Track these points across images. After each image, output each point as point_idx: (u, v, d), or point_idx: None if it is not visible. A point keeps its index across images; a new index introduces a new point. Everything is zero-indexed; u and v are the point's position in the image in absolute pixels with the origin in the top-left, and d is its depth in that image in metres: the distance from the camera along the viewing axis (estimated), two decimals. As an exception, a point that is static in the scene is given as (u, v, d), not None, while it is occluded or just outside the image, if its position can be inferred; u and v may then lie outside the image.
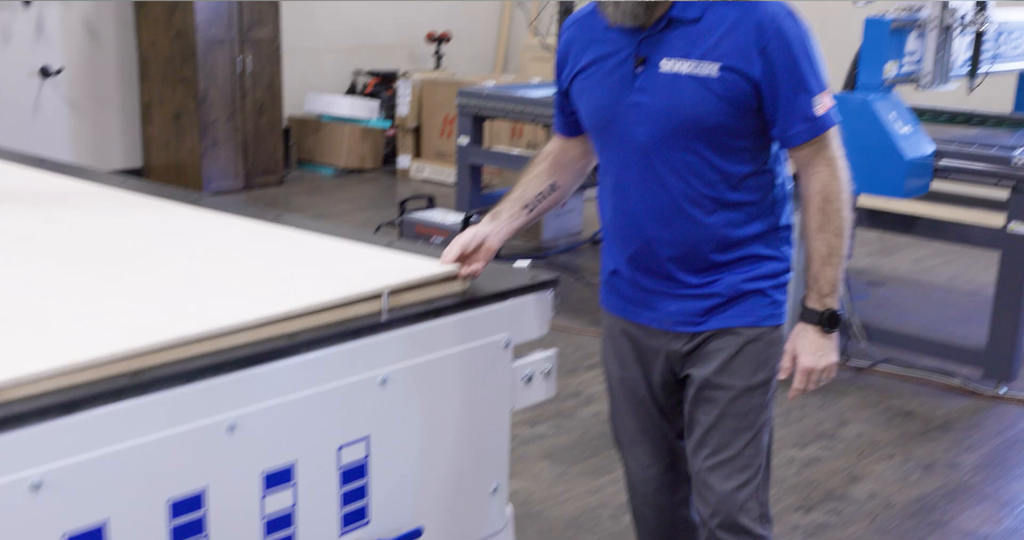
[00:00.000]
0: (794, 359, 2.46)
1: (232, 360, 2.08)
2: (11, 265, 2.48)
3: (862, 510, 3.92)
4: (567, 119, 2.73)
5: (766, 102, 2.40)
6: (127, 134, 9.08)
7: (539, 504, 3.77)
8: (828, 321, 2.42)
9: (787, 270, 2.57)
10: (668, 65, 2.42)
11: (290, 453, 2.22)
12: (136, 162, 9.10)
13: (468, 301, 2.50)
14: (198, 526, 2.09)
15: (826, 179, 2.40)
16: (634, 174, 2.51)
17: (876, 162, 4.76)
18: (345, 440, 2.33)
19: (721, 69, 2.37)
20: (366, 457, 2.38)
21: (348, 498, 2.37)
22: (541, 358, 2.68)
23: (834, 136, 2.44)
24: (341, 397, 2.29)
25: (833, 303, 2.43)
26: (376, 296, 2.35)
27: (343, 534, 2.37)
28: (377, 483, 2.41)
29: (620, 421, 2.78)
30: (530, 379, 2.66)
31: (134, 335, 2.03)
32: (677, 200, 2.47)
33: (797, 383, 2.44)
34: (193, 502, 2.08)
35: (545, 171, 2.72)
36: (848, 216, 2.41)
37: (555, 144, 2.76)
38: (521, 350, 2.73)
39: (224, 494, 2.12)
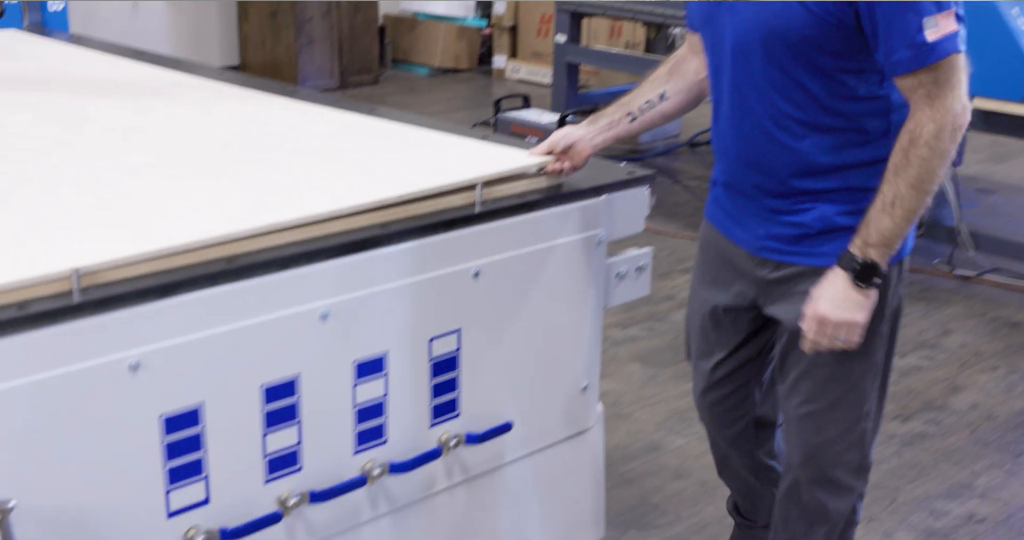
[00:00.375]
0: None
1: (325, 248, 2.07)
2: (108, 154, 2.50)
3: (962, 421, 3.84)
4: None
5: (863, 18, 2.05)
6: (224, 32, 9.11)
7: (629, 406, 3.76)
8: (863, 273, 2.08)
9: None
10: None
11: (382, 343, 2.22)
12: (233, 60, 9.14)
13: (563, 195, 2.46)
14: (291, 412, 2.11)
15: (922, 119, 2.02)
16: (725, 84, 2.28)
17: (994, 61, 4.54)
18: (436, 332, 2.32)
19: None
20: (457, 350, 2.37)
21: (438, 390, 2.37)
22: (635, 255, 2.63)
23: (950, 69, 2.02)
24: (433, 289, 2.27)
25: (877, 256, 2.07)
26: (470, 187, 2.32)
27: (433, 426, 2.38)
28: (467, 377, 2.41)
29: (690, 335, 2.65)
30: (623, 277, 2.62)
31: (229, 221, 2.03)
32: (761, 120, 2.22)
33: (808, 332, 2.15)
34: (286, 388, 2.09)
35: (662, 76, 2.49)
36: (936, 168, 2.02)
37: (683, 49, 2.51)
38: (615, 249, 2.69)
39: (317, 381, 2.13)
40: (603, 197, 2.51)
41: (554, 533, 2.69)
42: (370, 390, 2.23)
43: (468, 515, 2.52)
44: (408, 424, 2.32)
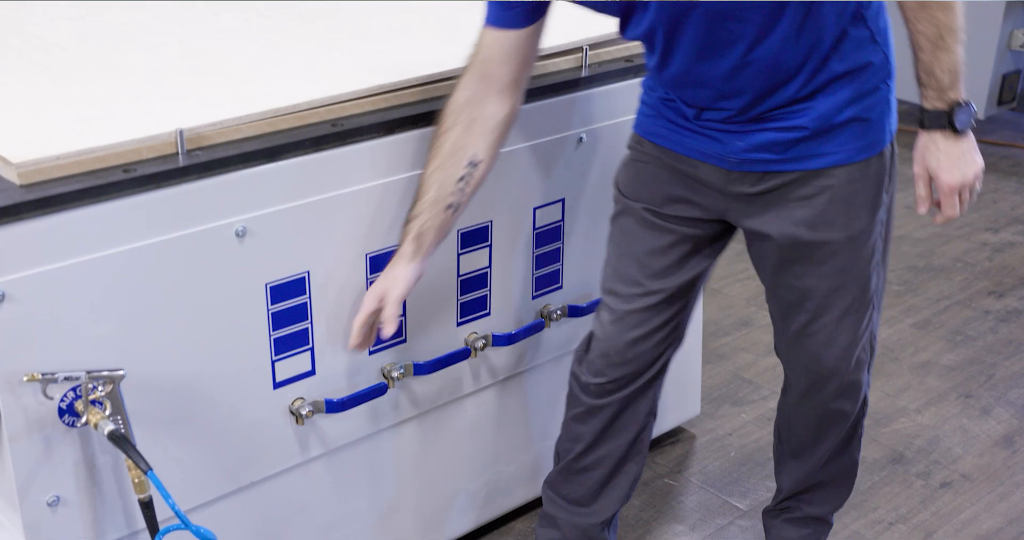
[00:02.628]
0: (930, 180, 1.91)
1: (430, 112, 1.99)
2: (204, 18, 2.41)
3: (1058, 297, 3.75)
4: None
5: None
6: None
7: (719, 281, 3.69)
8: (957, 119, 1.84)
9: (887, 63, 1.91)
10: None
11: (486, 212, 2.15)
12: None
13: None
14: (396, 282, 2.06)
15: None
16: (686, 36, 1.83)
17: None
18: (541, 201, 2.25)
19: None
20: (561, 220, 2.30)
21: (541, 262, 2.31)
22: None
23: None
24: (537, 156, 2.19)
25: (958, 94, 1.83)
26: (576, 50, 2.22)
27: (536, 297, 2.33)
28: (571, 248, 2.34)
29: (618, 264, 2.12)
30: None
31: (333, 84, 1.96)
32: (749, 62, 1.82)
33: (946, 209, 1.90)
34: (390, 257, 2.04)
35: (459, 140, 1.92)
36: None
37: (464, 94, 1.92)
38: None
39: (421, 250, 2.08)
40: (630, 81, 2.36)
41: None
42: (473, 260, 2.17)
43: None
44: (511, 294, 2.27)
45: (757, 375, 3.21)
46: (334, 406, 2.03)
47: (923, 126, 1.87)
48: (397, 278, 1.92)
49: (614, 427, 2.19)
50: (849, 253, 1.98)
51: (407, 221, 1.93)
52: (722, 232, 2.08)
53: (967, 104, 1.84)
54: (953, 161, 1.87)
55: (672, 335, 2.15)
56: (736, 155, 1.91)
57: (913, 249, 3.99)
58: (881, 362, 3.26)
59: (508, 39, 1.89)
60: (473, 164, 1.92)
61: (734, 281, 3.74)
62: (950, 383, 3.21)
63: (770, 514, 2.41)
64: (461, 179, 1.92)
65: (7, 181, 1.64)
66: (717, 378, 3.18)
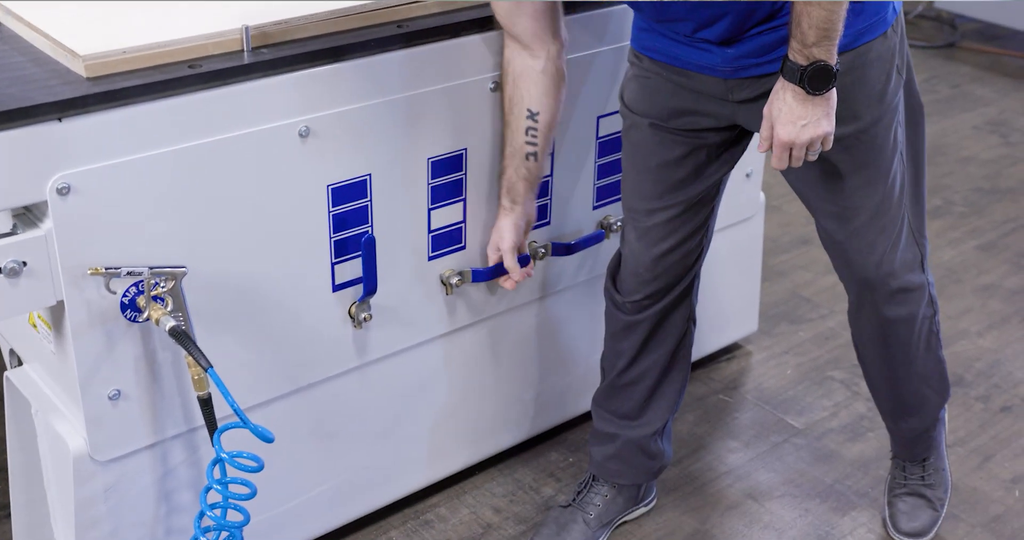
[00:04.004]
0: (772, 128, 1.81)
1: (493, 17, 1.95)
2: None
3: None
4: None
5: None
6: None
7: (778, 198, 3.63)
8: (812, 79, 1.72)
9: None
10: None
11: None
12: None
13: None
14: (457, 188, 2.04)
15: None
16: None
17: None
18: (603, 111, 2.21)
19: None
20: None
21: (604, 171, 2.28)
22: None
23: None
24: (598, 66, 2.15)
25: (822, 54, 1.71)
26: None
27: (596, 208, 2.30)
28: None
29: (635, 180, 2.10)
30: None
31: (397, -18, 1.92)
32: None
33: (775, 160, 1.81)
34: (454, 162, 2.02)
35: (513, 99, 2.00)
36: None
37: (505, 50, 1.99)
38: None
39: (483, 156, 2.05)
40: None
41: (713, 323, 2.63)
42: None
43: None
44: (574, 204, 2.25)
45: (816, 294, 3.17)
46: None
47: (782, 72, 1.76)
48: (502, 230, 2.08)
49: (654, 340, 2.18)
50: (865, 147, 1.90)
51: (499, 176, 2.07)
52: (737, 137, 2.03)
53: (828, 67, 1.71)
54: (793, 118, 1.76)
55: (700, 245, 2.12)
56: (729, 63, 1.86)
57: (979, 171, 3.90)
58: (943, 284, 3.21)
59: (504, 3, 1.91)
60: (532, 115, 1.99)
61: (793, 198, 3.65)
62: (1013, 307, 3.16)
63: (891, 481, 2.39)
64: (527, 130, 2.00)
65: (75, 74, 1.64)
66: (775, 295, 3.15)
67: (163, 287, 1.71)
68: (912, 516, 2.31)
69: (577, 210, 2.27)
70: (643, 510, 2.37)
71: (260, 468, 1.70)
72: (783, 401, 2.69)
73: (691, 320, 2.22)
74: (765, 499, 2.43)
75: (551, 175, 2.18)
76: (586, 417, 2.55)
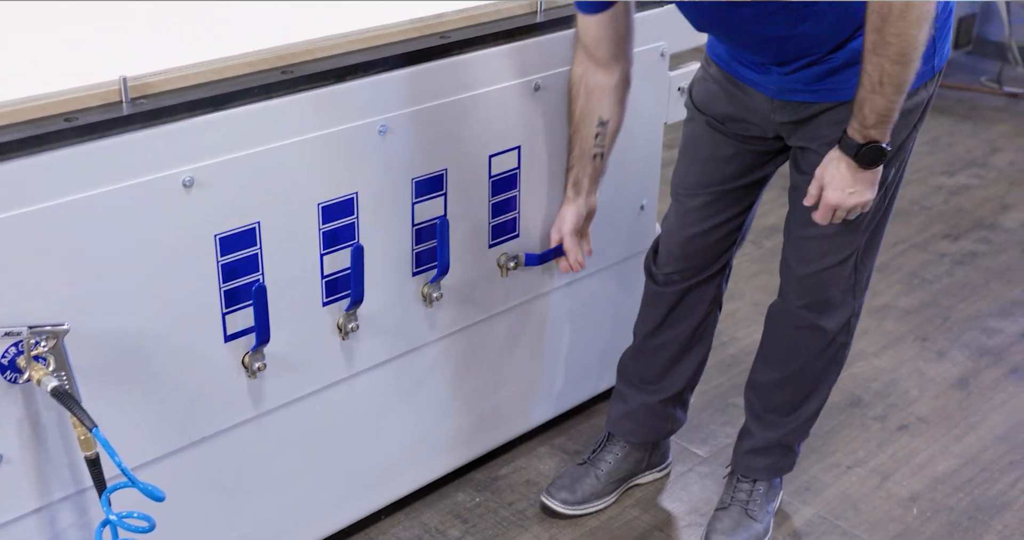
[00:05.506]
0: (821, 188, 1.99)
1: (383, 59, 1.94)
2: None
3: (1013, 239, 3.75)
4: None
5: None
6: None
7: (674, 225, 3.68)
8: (865, 156, 1.92)
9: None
10: None
11: (441, 160, 2.11)
12: None
13: (626, 2, 2.31)
14: (350, 232, 2.02)
15: None
16: (719, 26, 2.04)
17: None
18: (495, 149, 2.21)
19: None
20: (516, 168, 2.26)
21: (496, 210, 2.27)
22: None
23: None
24: (493, 102, 2.15)
25: (878, 135, 1.90)
26: (532, -6, 2.18)
27: (492, 247, 2.30)
28: (525, 196, 2.31)
29: (685, 168, 2.32)
30: (684, 92, 2.49)
31: (284, 32, 1.90)
32: (776, 37, 1.97)
33: (819, 217, 2.02)
34: (345, 207, 1.99)
35: (584, 108, 2.21)
36: (917, 36, 1.80)
37: (581, 68, 2.19)
38: (676, 63, 2.56)
39: (374, 199, 2.04)
40: (666, 7, 2.36)
41: (617, 354, 2.64)
42: (429, 209, 2.13)
43: (518, 333, 2.47)
44: (468, 245, 2.24)
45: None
46: (289, 361, 1.99)
47: (838, 145, 1.95)
48: (564, 216, 2.27)
49: (677, 312, 2.40)
50: None
51: (567, 171, 2.28)
52: (780, 149, 2.21)
53: (882, 147, 1.91)
54: (843, 185, 1.96)
55: (732, 235, 2.32)
56: (776, 84, 2.06)
57: (870, 192, 3.98)
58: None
59: (594, 23, 2.11)
60: (603, 123, 2.22)
61: (692, 226, 3.72)
62: (907, 326, 3.22)
63: (738, 452, 2.45)
64: (597, 135, 2.22)
65: (-57, 130, 1.59)
66: (675, 324, 3.17)
67: (44, 346, 1.66)
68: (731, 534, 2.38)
69: (471, 255, 2.26)
70: (657, 475, 2.57)
71: (151, 528, 1.66)
72: (687, 430, 2.70)
73: (716, 303, 2.44)
74: (671, 529, 2.44)
75: (444, 213, 2.17)
76: (493, 455, 2.55)
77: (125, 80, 1.69)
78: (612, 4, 2.09)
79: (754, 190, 2.29)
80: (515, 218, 2.31)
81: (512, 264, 2.32)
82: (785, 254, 2.26)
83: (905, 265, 3.54)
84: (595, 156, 2.25)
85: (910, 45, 1.81)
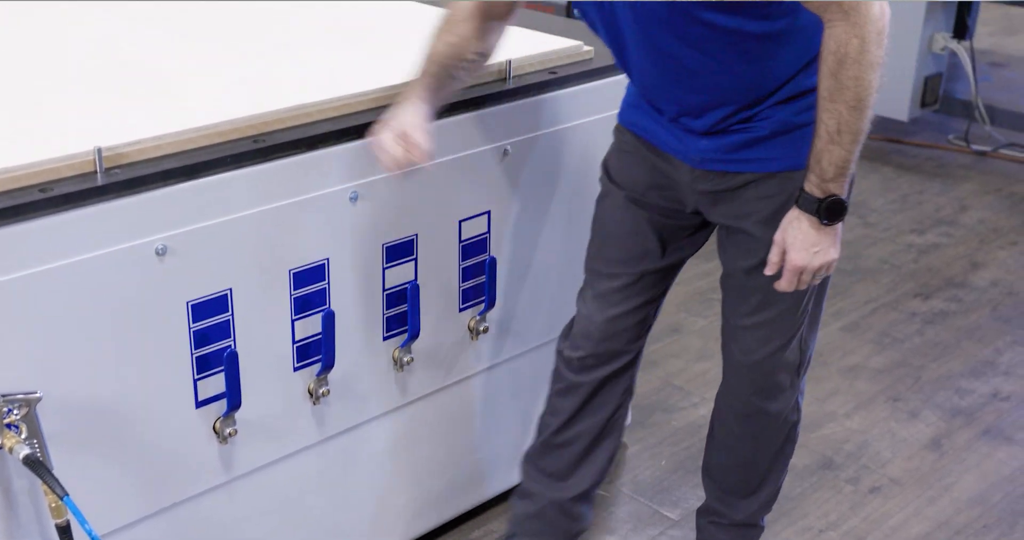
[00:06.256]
0: (784, 252, 1.93)
1: (354, 127, 1.98)
2: (128, 33, 2.37)
3: (983, 298, 3.79)
4: None
5: None
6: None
7: (648, 285, 3.72)
8: (827, 211, 1.86)
9: None
10: None
11: (411, 226, 2.14)
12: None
13: (591, 71, 2.36)
14: (321, 297, 2.04)
15: (842, 36, 1.76)
16: (630, 50, 1.96)
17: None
18: (467, 214, 2.24)
19: None
20: (487, 232, 2.29)
21: (467, 274, 2.30)
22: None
23: None
24: (461, 168, 2.18)
25: (837, 189, 1.85)
26: (499, 63, 2.22)
27: (462, 310, 2.32)
28: (504, 261, 2.34)
29: (601, 244, 2.24)
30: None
31: (255, 101, 1.94)
32: (690, 72, 1.93)
33: (784, 283, 1.93)
34: (316, 273, 2.02)
35: (470, 32, 2.06)
36: (872, 82, 1.78)
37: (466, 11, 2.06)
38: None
39: (346, 265, 2.06)
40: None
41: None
42: (399, 274, 2.16)
43: (491, 396, 2.49)
44: (439, 309, 2.26)
45: (688, 382, 3.23)
46: (259, 428, 2.01)
47: (796, 203, 1.89)
48: (404, 112, 1.96)
49: (592, 404, 2.28)
50: None
51: (421, 74, 2.02)
52: (700, 225, 2.17)
53: (842, 201, 1.86)
54: (807, 245, 1.89)
55: (650, 319, 2.26)
56: (699, 153, 2.01)
57: (840, 252, 4.02)
58: (810, 366, 3.28)
59: None
60: (482, 55, 2.08)
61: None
62: (878, 386, 3.25)
63: (701, 515, 2.43)
64: (472, 63, 2.06)
65: (-84, 202, 1.61)
66: (649, 385, 3.19)
67: (16, 414, 1.67)
68: None
69: (443, 317, 2.28)
70: None
71: (122, 597, 1.66)
72: (658, 493, 2.71)
73: (629, 393, 2.34)
74: (645, 593, 2.44)
75: (415, 278, 2.19)
76: (463, 519, 2.55)
77: (100, 151, 1.72)
78: None
79: (672, 270, 2.22)
80: (485, 282, 2.33)
81: (483, 327, 2.33)
82: (727, 343, 2.20)
83: (875, 324, 3.57)
84: (453, 78, 2.05)
85: (866, 90, 1.78)
